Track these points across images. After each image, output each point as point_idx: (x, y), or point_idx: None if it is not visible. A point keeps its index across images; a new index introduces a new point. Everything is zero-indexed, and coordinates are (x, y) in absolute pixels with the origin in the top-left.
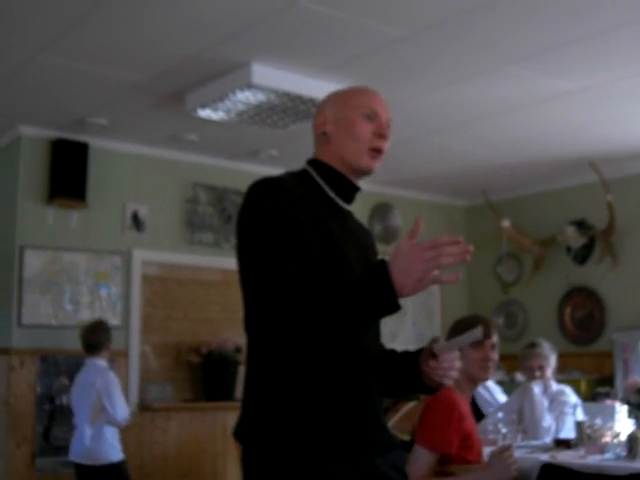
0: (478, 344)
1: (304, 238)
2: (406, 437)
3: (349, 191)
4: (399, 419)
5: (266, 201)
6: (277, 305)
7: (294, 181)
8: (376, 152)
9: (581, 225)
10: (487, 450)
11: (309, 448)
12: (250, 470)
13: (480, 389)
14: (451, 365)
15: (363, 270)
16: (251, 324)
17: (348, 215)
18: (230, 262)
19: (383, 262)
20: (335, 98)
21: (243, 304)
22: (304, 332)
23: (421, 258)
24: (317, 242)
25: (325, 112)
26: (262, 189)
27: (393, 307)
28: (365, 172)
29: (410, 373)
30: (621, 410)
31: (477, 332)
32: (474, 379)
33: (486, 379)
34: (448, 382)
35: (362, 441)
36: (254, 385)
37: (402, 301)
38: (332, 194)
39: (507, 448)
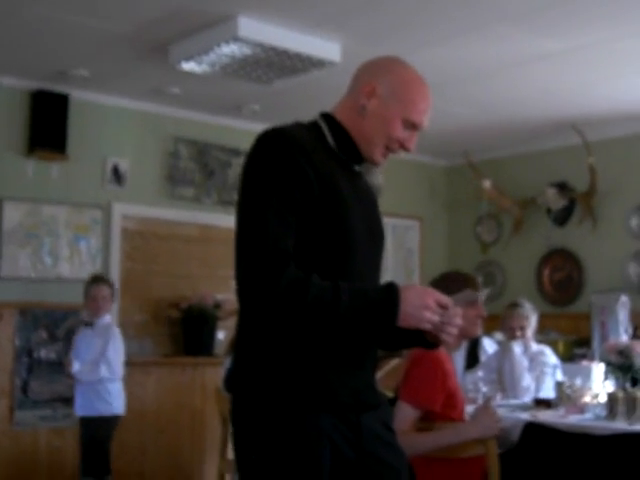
0: (473, 302)
1: (312, 195)
2: (390, 394)
3: (355, 157)
4: (383, 376)
5: (274, 153)
6: (268, 274)
7: (305, 133)
8: (389, 152)
9: (562, 187)
10: (468, 408)
11: (298, 401)
12: (239, 419)
13: (486, 344)
14: (451, 321)
15: (365, 229)
16: (237, 281)
17: (356, 173)
18: (210, 217)
19: (396, 287)
20: (393, 78)
21: (235, 257)
22: (292, 311)
23: (432, 309)
24: (322, 201)
25: (377, 85)
26: (271, 140)
27: (388, 328)
28: (372, 162)
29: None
30: (597, 371)
31: (474, 294)
32: (464, 335)
33: (474, 335)
34: (447, 339)
35: (349, 398)
36: (246, 338)
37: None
38: (341, 154)
39: (488, 404)
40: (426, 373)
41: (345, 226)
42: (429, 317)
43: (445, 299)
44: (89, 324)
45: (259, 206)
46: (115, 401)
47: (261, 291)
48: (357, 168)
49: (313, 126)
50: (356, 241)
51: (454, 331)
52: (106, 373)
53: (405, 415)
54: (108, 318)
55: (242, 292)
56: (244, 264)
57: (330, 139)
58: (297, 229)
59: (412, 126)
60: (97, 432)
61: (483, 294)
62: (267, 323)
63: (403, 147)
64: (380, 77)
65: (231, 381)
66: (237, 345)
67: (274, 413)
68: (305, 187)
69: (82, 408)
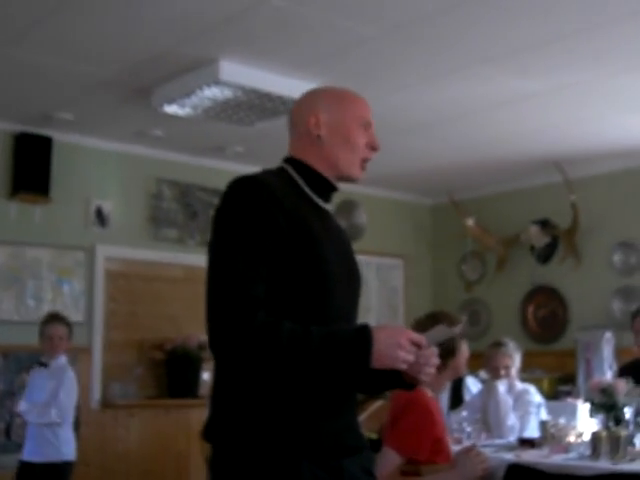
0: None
1: (284, 241)
2: (373, 436)
3: (328, 192)
4: (366, 418)
5: (245, 201)
6: (239, 320)
7: (274, 179)
8: (366, 162)
9: (545, 224)
10: (453, 448)
11: (277, 448)
12: (218, 470)
13: (469, 383)
14: (427, 361)
15: (342, 270)
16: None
17: (327, 214)
18: (194, 258)
19: (368, 327)
20: (329, 100)
21: (206, 303)
22: (264, 356)
23: (406, 347)
24: (296, 246)
25: (318, 113)
26: (243, 187)
27: (362, 369)
28: (352, 181)
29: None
30: (582, 409)
31: (447, 329)
32: (446, 376)
33: (460, 375)
34: (425, 378)
35: (330, 443)
36: (222, 385)
37: (366, 298)
38: (312, 194)
39: (473, 447)
40: (415, 422)
41: (322, 269)
42: (403, 356)
43: (418, 337)
44: (43, 364)
45: (229, 253)
46: (64, 447)
47: (232, 337)
48: (328, 208)
49: (280, 171)
50: (334, 282)
51: (431, 370)
52: (56, 417)
53: (389, 461)
54: (63, 359)
55: (213, 339)
56: (214, 311)
57: (300, 181)
58: (272, 276)
59: (368, 126)
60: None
61: (457, 329)
62: (240, 370)
63: (373, 148)
64: (316, 105)
65: (208, 431)
66: (212, 394)
67: (252, 463)
68: (276, 233)
69: (29, 453)
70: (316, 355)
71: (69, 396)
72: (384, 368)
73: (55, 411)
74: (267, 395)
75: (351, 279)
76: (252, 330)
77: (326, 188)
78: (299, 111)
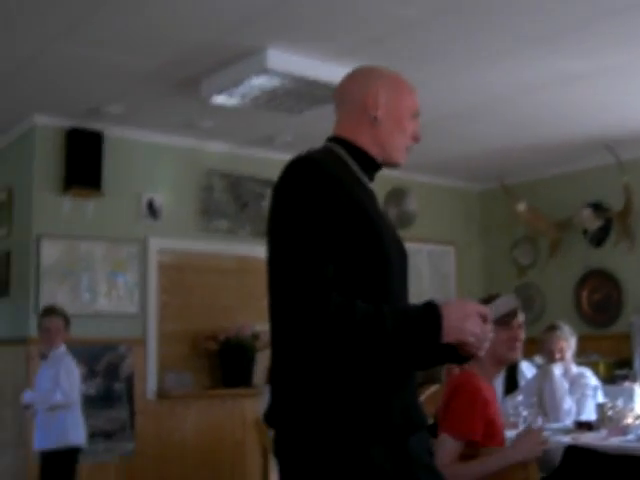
0: (506, 323)
1: (348, 222)
2: (430, 420)
3: (374, 172)
4: (422, 402)
5: (308, 182)
6: (314, 302)
7: (328, 160)
8: (408, 150)
9: (597, 207)
10: (509, 434)
11: (343, 429)
12: (284, 454)
13: (524, 368)
14: (486, 336)
15: (397, 252)
16: (278, 308)
17: (373, 194)
18: (246, 249)
19: (436, 303)
20: (387, 83)
21: (269, 288)
22: (331, 338)
23: (474, 319)
24: (360, 225)
25: (378, 95)
26: (303, 168)
27: (433, 345)
28: (395, 166)
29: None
30: None
31: (512, 298)
32: (501, 360)
33: (514, 360)
34: (480, 354)
35: (397, 420)
36: (284, 368)
37: (418, 285)
38: (361, 174)
39: (534, 428)
40: (466, 404)
41: (382, 249)
42: (472, 329)
43: (484, 309)
44: (44, 356)
45: (297, 235)
46: (71, 432)
47: (309, 320)
48: (372, 187)
49: (328, 151)
50: (392, 262)
51: (487, 345)
52: (60, 399)
53: (447, 448)
54: (62, 349)
55: (289, 323)
56: (289, 294)
57: (350, 161)
58: (336, 255)
59: (417, 115)
60: (57, 466)
61: (513, 299)
62: (311, 351)
63: (416, 139)
64: (374, 86)
65: (272, 415)
66: (273, 377)
67: (322, 445)
68: (339, 214)
69: (40, 441)
70: (389, 333)
71: (70, 378)
72: (452, 342)
73: (58, 394)
74: (334, 376)
75: (402, 259)
76: (330, 309)
77: (372, 168)
78: (353, 89)
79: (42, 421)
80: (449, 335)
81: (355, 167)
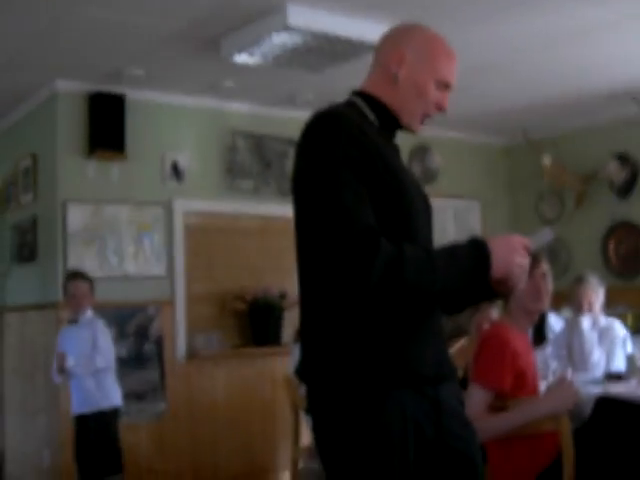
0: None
1: (377, 173)
2: (459, 373)
3: (395, 130)
4: (452, 355)
5: (336, 132)
6: (363, 257)
7: (351, 113)
8: (427, 118)
9: (623, 159)
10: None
11: (376, 381)
12: (318, 408)
13: (552, 320)
14: (525, 268)
15: (422, 204)
16: (308, 264)
17: (397, 149)
18: (270, 208)
19: (482, 240)
20: (419, 43)
21: (297, 243)
22: (393, 292)
23: (521, 252)
24: (387, 176)
25: (405, 52)
26: (329, 120)
27: (484, 281)
28: (410, 131)
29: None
30: None
31: (549, 231)
32: (530, 311)
33: (541, 310)
34: (521, 285)
35: (429, 370)
36: (315, 323)
37: (444, 241)
38: (382, 129)
39: (566, 379)
40: (494, 354)
41: (408, 197)
42: (519, 261)
43: (527, 240)
44: (73, 321)
45: (332, 186)
46: (111, 393)
47: (358, 279)
48: (395, 143)
49: (351, 105)
50: (418, 211)
51: (526, 277)
52: (102, 363)
53: (477, 398)
54: (90, 313)
55: (333, 279)
56: (333, 248)
57: (371, 116)
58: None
59: (444, 86)
60: (105, 427)
61: (548, 231)
62: (344, 305)
63: (439, 108)
64: (405, 44)
65: (304, 370)
66: (304, 333)
67: (355, 395)
68: (368, 161)
69: (80, 405)
70: (441, 277)
71: (107, 341)
72: (499, 277)
73: (99, 358)
74: (364, 328)
75: (427, 209)
76: (380, 262)
77: (394, 125)
78: (387, 43)
79: (81, 385)
80: (498, 270)
81: (376, 121)
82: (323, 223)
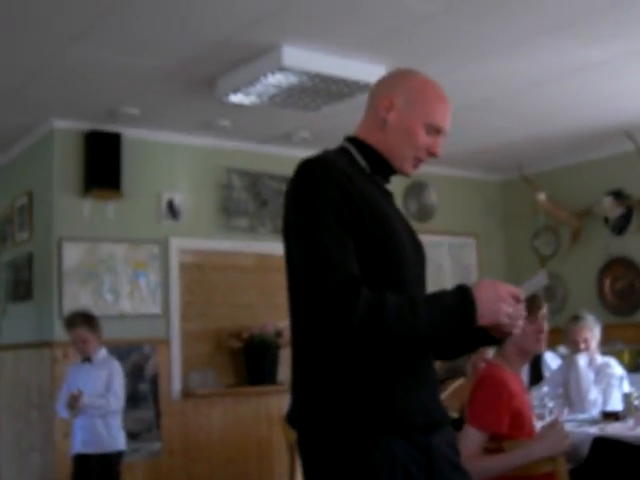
0: (532, 315)
1: (362, 220)
2: (455, 414)
3: (388, 174)
4: (447, 396)
5: (321, 181)
6: (342, 305)
7: (340, 159)
8: (420, 162)
9: (618, 195)
10: (537, 425)
11: (366, 429)
12: (309, 455)
13: (548, 358)
14: (520, 314)
15: (413, 249)
16: (299, 308)
17: (389, 194)
18: (266, 246)
19: (467, 287)
20: (409, 88)
21: (289, 286)
22: (365, 333)
23: (507, 300)
24: (373, 224)
25: (395, 97)
26: (315, 168)
27: (468, 330)
28: (402, 175)
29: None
30: None
31: (543, 276)
32: (527, 352)
33: (539, 351)
34: (517, 331)
35: (419, 418)
36: (305, 367)
37: (440, 278)
38: (374, 175)
39: (557, 422)
40: (491, 396)
41: (397, 246)
42: (505, 310)
43: (516, 290)
44: (86, 359)
45: (316, 234)
46: (118, 436)
47: (340, 324)
48: (388, 188)
49: (343, 151)
50: (407, 260)
51: (521, 323)
52: (115, 405)
53: (472, 440)
54: (104, 352)
55: (317, 326)
56: (315, 298)
57: (362, 161)
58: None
59: (435, 130)
60: (107, 470)
61: (544, 275)
62: (336, 350)
63: (431, 153)
64: (396, 89)
65: (294, 415)
66: (295, 378)
67: (344, 442)
68: (355, 210)
69: (85, 445)
70: (425, 323)
71: (121, 384)
72: (486, 325)
73: (114, 399)
74: (351, 376)
75: (419, 255)
76: (358, 312)
77: (386, 170)
78: (379, 88)
79: (88, 425)
80: (484, 318)
81: (367, 167)
82: (306, 271)
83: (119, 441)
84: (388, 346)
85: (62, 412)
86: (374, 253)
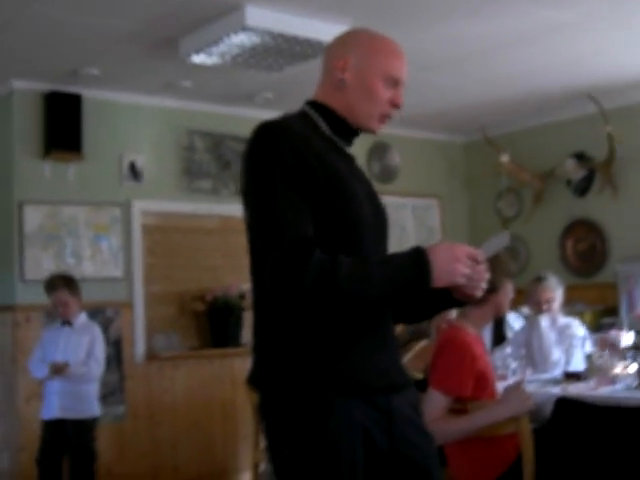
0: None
1: (317, 183)
2: (419, 375)
3: (351, 136)
4: (411, 358)
5: (276, 145)
6: (295, 267)
7: (298, 123)
8: (386, 117)
9: (581, 157)
10: (499, 385)
11: (322, 390)
12: (270, 415)
13: (511, 319)
14: (481, 276)
15: (370, 211)
16: (257, 271)
17: (350, 158)
18: (229, 208)
19: (423, 249)
20: (362, 45)
21: (249, 250)
22: (326, 299)
23: (464, 261)
24: (329, 186)
25: (348, 56)
26: (270, 132)
27: (423, 291)
28: (370, 132)
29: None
30: (627, 340)
31: (504, 236)
32: (491, 316)
33: (503, 315)
34: (478, 294)
35: (378, 380)
36: (265, 330)
37: (403, 239)
38: (334, 137)
39: (520, 384)
40: (454, 359)
41: (353, 207)
42: (461, 270)
43: (474, 251)
44: (66, 323)
45: (270, 198)
46: (95, 402)
47: (291, 285)
48: (349, 151)
49: (303, 115)
50: (364, 221)
51: (483, 285)
52: (96, 372)
53: (436, 403)
54: (84, 316)
55: (270, 287)
56: (268, 259)
57: (323, 124)
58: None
59: (393, 82)
60: (84, 435)
61: (506, 235)
62: (293, 312)
63: (394, 105)
64: (348, 48)
65: (255, 377)
66: (255, 340)
67: (303, 404)
68: (309, 173)
69: (60, 409)
70: (377, 284)
71: (102, 350)
72: (443, 286)
73: (95, 366)
74: (312, 335)
75: (379, 219)
76: (310, 274)
77: (348, 132)
78: (331, 50)
79: (64, 390)
80: (439, 279)
81: (327, 130)
82: (259, 233)
83: (95, 407)
84: (341, 307)
85: (37, 372)
86: (329, 215)
